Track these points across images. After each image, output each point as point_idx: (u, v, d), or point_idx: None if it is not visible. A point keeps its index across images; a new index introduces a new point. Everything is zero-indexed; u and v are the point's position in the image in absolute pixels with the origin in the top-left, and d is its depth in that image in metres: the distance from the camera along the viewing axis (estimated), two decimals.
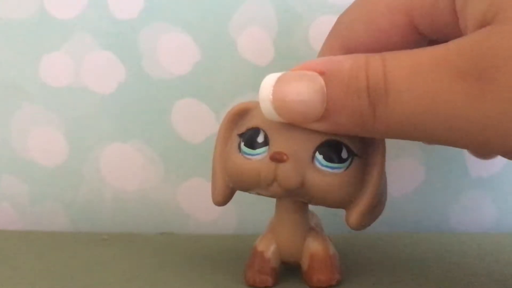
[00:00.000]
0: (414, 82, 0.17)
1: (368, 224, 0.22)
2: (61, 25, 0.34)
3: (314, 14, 0.34)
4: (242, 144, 0.21)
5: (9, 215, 0.36)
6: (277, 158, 0.20)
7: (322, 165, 0.20)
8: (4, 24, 0.35)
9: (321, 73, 0.18)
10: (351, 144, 0.20)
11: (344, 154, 0.20)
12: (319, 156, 0.20)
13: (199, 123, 0.35)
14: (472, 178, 0.35)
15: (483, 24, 0.16)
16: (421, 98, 0.16)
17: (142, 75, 0.35)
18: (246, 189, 0.22)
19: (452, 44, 0.17)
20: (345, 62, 0.18)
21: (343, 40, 0.22)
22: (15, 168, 0.35)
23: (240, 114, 0.23)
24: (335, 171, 0.20)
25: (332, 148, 0.20)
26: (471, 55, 0.16)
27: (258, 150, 0.21)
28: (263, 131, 0.21)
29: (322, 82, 0.18)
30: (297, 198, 0.22)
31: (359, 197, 0.21)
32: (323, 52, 0.23)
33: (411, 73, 0.17)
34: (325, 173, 0.20)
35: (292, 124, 0.20)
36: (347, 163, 0.20)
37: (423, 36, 0.21)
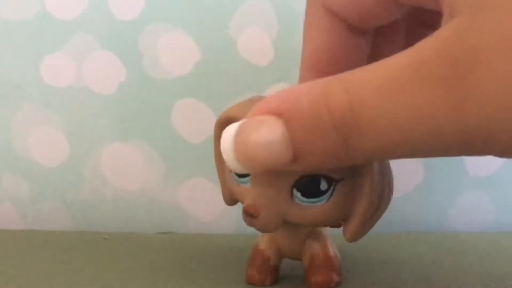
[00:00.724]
0: (388, 103, 0.15)
1: (365, 233, 0.21)
2: (62, 26, 0.35)
3: None
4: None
5: (10, 214, 0.36)
6: (249, 215, 0.19)
7: (302, 201, 0.20)
8: (6, 25, 0.35)
9: (280, 115, 0.17)
10: (331, 173, 0.19)
11: (323, 186, 0.19)
12: (297, 193, 0.19)
13: (199, 123, 0.35)
14: (471, 178, 0.35)
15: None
16: (399, 119, 0.15)
17: (143, 75, 0.35)
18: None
19: (424, 48, 0.15)
20: (302, 99, 0.16)
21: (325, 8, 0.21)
22: (16, 167, 0.35)
23: (227, 123, 0.21)
24: (316, 204, 0.20)
25: (309, 183, 0.19)
26: (448, 59, 0.14)
27: (243, 180, 0.21)
28: None
29: (283, 126, 0.16)
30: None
31: (352, 213, 0.20)
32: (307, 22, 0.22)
33: (382, 95, 0.15)
34: (306, 208, 0.20)
35: None
36: (328, 194, 0.20)
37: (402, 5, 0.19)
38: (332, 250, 0.23)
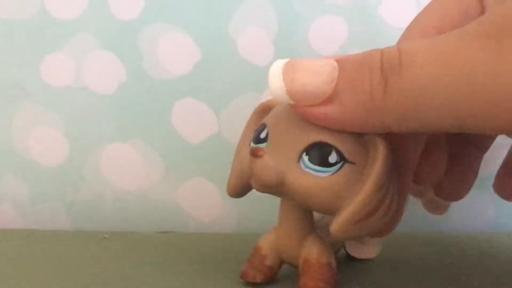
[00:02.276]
0: (429, 48, 0.16)
1: (355, 235, 0.20)
2: (62, 26, 0.35)
3: (314, 14, 0.34)
4: (251, 141, 0.22)
5: (10, 214, 0.36)
6: (253, 153, 0.19)
7: (306, 166, 0.20)
8: (5, 25, 0.35)
9: (337, 60, 0.18)
10: (344, 149, 0.19)
11: (332, 159, 0.19)
12: (305, 157, 0.20)
13: (199, 123, 0.35)
14: None
15: None
16: (435, 62, 0.16)
17: (143, 75, 0.35)
18: (253, 187, 0.22)
19: (470, 22, 0.16)
20: (364, 52, 0.18)
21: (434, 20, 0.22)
22: (16, 167, 0.35)
23: (264, 110, 0.23)
24: (318, 174, 0.19)
25: (320, 151, 0.19)
26: (490, 23, 0.16)
27: (260, 145, 0.21)
28: (267, 127, 0.21)
29: (334, 63, 0.18)
30: (280, 196, 0.22)
31: (346, 204, 0.19)
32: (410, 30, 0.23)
33: (427, 43, 0.17)
34: (306, 175, 0.20)
35: (298, 115, 0.19)
36: (334, 168, 0.19)
37: None
38: (327, 258, 0.22)
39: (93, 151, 0.35)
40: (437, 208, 0.29)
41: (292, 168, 0.20)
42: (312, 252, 0.22)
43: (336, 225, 0.19)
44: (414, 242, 0.31)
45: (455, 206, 0.36)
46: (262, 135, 0.21)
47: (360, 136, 0.20)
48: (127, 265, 0.26)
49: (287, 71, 0.18)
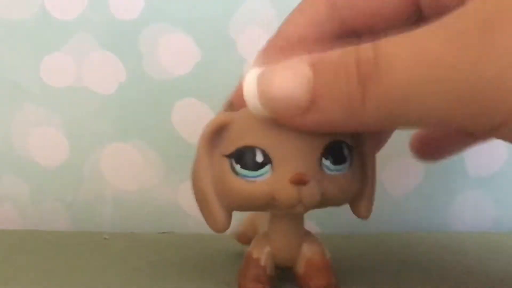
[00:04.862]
0: (408, 49, 0.15)
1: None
2: (62, 26, 0.35)
3: None
4: (238, 166, 0.19)
5: (10, 214, 0.36)
6: (300, 181, 0.18)
7: (331, 169, 0.19)
8: (5, 25, 0.35)
9: (309, 65, 0.17)
10: (347, 139, 0.20)
11: (345, 152, 0.20)
12: (326, 162, 0.19)
13: (199, 123, 0.35)
14: (471, 178, 0.35)
15: None
16: (416, 64, 0.15)
17: (143, 75, 0.35)
18: (254, 210, 0.21)
19: (449, 15, 0.16)
20: (336, 52, 0.17)
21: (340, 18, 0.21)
22: (16, 168, 0.35)
23: (217, 132, 0.20)
24: (342, 172, 0.20)
25: (335, 150, 0.19)
26: (470, 17, 0.15)
27: (260, 171, 0.19)
28: (260, 149, 0.19)
29: (309, 70, 0.17)
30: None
31: (362, 187, 0.21)
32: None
33: (404, 43, 0.16)
34: (336, 178, 0.20)
35: (288, 129, 0.18)
36: (349, 161, 0.20)
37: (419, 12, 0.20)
38: (327, 253, 0.22)
39: (93, 151, 0.35)
40: None
41: (322, 177, 0.19)
42: (314, 251, 0.22)
43: (365, 211, 0.21)
44: (414, 242, 0.31)
45: (455, 206, 0.36)
46: (259, 159, 0.19)
47: None
48: (127, 265, 0.26)
49: (261, 83, 0.18)
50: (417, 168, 0.35)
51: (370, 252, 0.29)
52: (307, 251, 0.22)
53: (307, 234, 0.22)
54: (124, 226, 0.35)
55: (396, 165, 0.35)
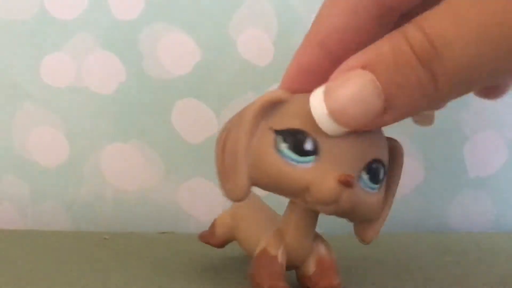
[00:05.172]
0: (457, 23, 0.16)
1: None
2: (62, 26, 0.35)
3: (314, 14, 0.34)
4: (284, 146, 0.19)
5: (10, 214, 0.36)
6: (347, 183, 0.18)
7: (366, 185, 0.19)
8: (5, 25, 0.35)
9: (364, 67, 0.17)
10: (385, 162, 0.20)
11: (381, 174, 0.19)
12: (364, 176, 0.19)
13: (199, 123, 0.35)
14: (471, 178, 0.35)
15: None
16: (474, 35, 0.15)
17: (143, 75, 0.35)
18: (280, 194, 0.20)
19: None
20: (383, 46, 0.17)
21: (321, 36, 0.21)
22: (16, 168, 0.35)
23: (273, 104, 0.19)
24: (374, 191, 0.19)
25: (376, 170, 0.19)
26: None
27: (305, 158, 0.19)
28: (312, 138, 0.18)
29: (369, 74, 0.17)
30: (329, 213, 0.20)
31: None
32: (300, 51, 0.22)
33: (450, 18, 0.16)
34: (368, 194, 0.19)
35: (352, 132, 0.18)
36: (382, 183, 0.20)
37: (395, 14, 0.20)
38: (334, 252, 0.22)
39: (93, 151, 0.35)
40: (425, 119, 0.28)
41: (358, 188, 0.19)
42: (325, 251, 0.22)
43: (372, 237, 0.21)
44: (414, 242, 0.31)
45: (455, 206, 0.36)
46: (308, 146, 0.18)
47: (384, 139, 0.20)
48: (127, 265, 0.26)
49: (332, 108, 0.17)
50: (417, 168, 0.35)
51: (370, 252, 0.29)
52: (319, 250, 0.22)
53: (316, 235, 0.22)
54: (124, 226, 0.35)
55: None
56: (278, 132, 0.19)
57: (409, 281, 0.24)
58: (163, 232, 0.34)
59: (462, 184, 0.35)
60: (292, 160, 0.19)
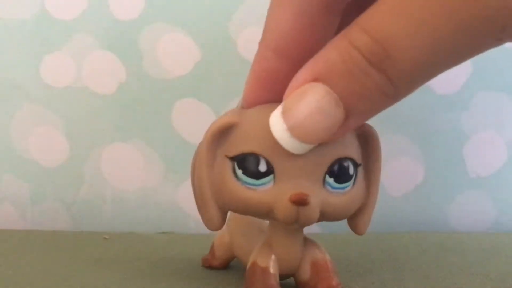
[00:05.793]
0: (399, 21, 0.15)
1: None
2: (62, 26, 0.35)
3: None
4: (240, 172, 0.19)
5: (10, 214, 0.36)
6: (300, 203, 0.18)
7: (334, 187, 0.19)
8: (5, 25, 0.35)
9: (316, 79, 0.17)
10: (355, 155, 0.19)
11: (351, 170, 0.19)
12: (329, 179, 0.19)
13: (199, 123, 0.35)
14: (471, 178, 0.35)
15: None
16: (422, 26, 0.15)
17: (143, 75, 0.35)
18: (253, 216, 0.20)
19: None
20: (330, 54, 0.17)
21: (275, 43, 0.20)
22: (16, 167, 0.35)
23: (223, 131, 0.20)
24: (346, 190, 0.19)
25: (341, 168, 0.19)
26: None
27: (262, 180, 0.19)
28: (264, 158, 0.18)
29: (324, 86, 0.17)
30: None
31: (364, 204, 0.20)
32: (257, 58, 0.21)
33: (392, 15, 0.15)
34: (338, 196, 0.19)
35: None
36: (353, 179, 0.19)
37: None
38: (327, 254, 0.22)
39: (93, 151, 0.35)
40: None
41: (323, 194, 0.19)
42: (317, 255, 0.21)
43: (363, 228, 0.21)
44: (414, 242, 0.31)
45: (455, 206, 0.36)
46: (262, 168, 0.18)
47: (354, 133, 0.20)
48: (127, 265, 0.26)
49: (292, 125, 0.17)
50: (417, 168, 0.35)
51: (370, 252, 0.29)
52: (311, 254, 0.21)
53: (306, 238, 0.22)
54: (124, 226, 0.35)
55: (396, 165, 0.35)
56: (232, 159, 0.19)
57: (409, 281, 0.24)
58: (163, 232, 0.34)
59: (462, 184, 0.35)
60: (250, 184, 0.19)
